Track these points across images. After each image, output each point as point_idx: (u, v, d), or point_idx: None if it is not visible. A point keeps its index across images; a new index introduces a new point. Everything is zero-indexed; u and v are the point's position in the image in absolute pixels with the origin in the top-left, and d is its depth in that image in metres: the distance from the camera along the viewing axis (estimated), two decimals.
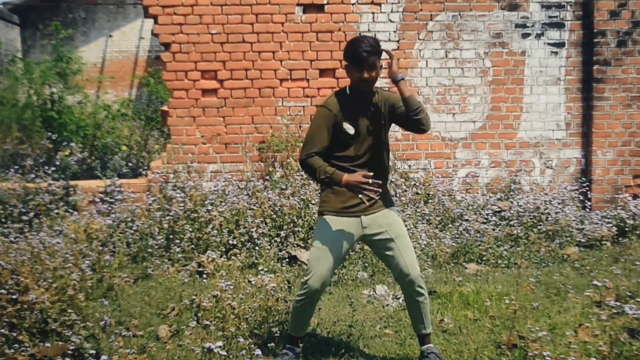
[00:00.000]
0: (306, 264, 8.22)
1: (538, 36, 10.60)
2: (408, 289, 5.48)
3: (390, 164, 9.96)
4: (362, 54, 5.22)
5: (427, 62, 10.53)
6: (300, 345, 5.59)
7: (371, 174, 5.17)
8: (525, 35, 10.58)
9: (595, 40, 10.49)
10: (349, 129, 5.36)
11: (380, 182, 5.20)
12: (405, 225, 8.68)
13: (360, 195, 5.19)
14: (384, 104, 5.44)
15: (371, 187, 5.13)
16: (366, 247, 7.86)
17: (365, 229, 5.41)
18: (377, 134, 5.43)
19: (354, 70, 5.31)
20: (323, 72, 10.35)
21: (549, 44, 10.62)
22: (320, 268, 5.31)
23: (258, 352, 4.97)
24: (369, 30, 10.36)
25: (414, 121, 5.33)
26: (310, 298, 5.39)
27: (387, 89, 5.74)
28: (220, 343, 5.13)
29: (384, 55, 5.34)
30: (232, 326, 5.46)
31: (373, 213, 5.42)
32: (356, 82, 5.34)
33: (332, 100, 5.46)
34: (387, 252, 5.45)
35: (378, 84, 5.49)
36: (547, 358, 4.80)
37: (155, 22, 10.24)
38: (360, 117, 5.38)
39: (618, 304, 5.69)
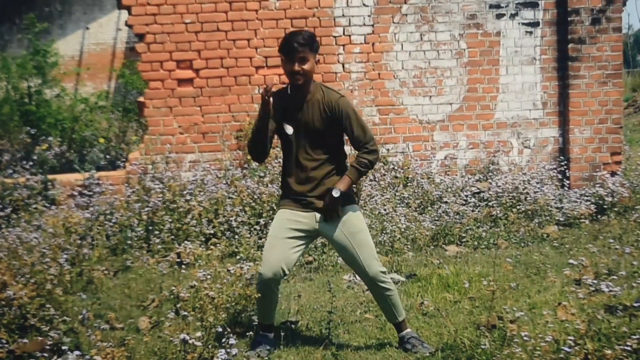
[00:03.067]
0: None
1: (512, 16, 10.60)
2: (370, 286, 5.55)
3: None
4: (293, 46, 5.23)
5: (402, 45, 10.51)
6: (282, 333, 5.60)
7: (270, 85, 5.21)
8: (499, 16, 10.58)
9: (569, 18, 10.50)
10: (288, 128, 5.39)
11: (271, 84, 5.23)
12: (385, 209, 8.74)
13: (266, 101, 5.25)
14: (330, 105, 5.37)
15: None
16: None
17: (320, 224, 5.42)
18: (317, 133, 5.39)
19: (286, 63, 5.32)
20: None
21: (523, 23, 10.62)
22: (271, 257, 5.35)
23: (232, 341, 4.97)
24: (343, 15, 10.35)
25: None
26: (264, 286, 5.40)
27: (338, 90, 5.66)
28: (198, 334, 5.13)
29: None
30: (211, 316, 5.45)
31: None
32: (289, 77, 5.34)
33: (274, 96, 5.40)
34: (343, 251, 5.50)
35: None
36: (525, 338, 4.81)
37: (129, 13, 10.18)
38: (298, 116, 5.39)
39: (595, 282, 5.72)
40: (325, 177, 5.43)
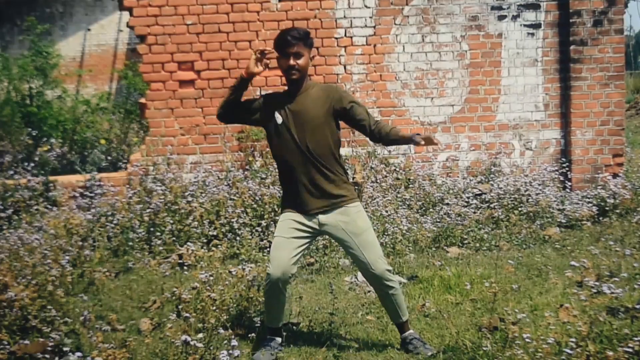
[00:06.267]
0: None
1: (514, 18, 10.59)
2: (376, 285, 5.54)
3: (370, 149, 9.99)
4: (287, 40, 5.28)
5: (404, 46, 10.51)
6: (284, 334, 5.59)
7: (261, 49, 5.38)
8: (501, 18, 10.57)
9: (571, 20, 10.49)
10: (277, 117, 5.40)
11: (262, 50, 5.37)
12: (386, 211, 8.74)
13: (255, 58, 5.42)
14: (329, 99, 5.40)
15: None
16: None
17: (323, 226, 5.43)
18: (310, 124, 5.38)
19: (281, 59, 5.37)
20: None
21: (525, 25, 10.62)
22: (279, 257, 5.34)
23: (234, 342, 4.96)
24: (344, 16, 10.35)
25: (382, 142, 5.51)
26: (274, 287, 5.39)
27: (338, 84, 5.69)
28: (200, 335, 5.13)
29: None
30: (212, 318, 5.45)
31: (329, 213, 5.43)
32: (284, 72, 5.38)
33: (274, 92, 5.66)
34: (349, 251, 5.49)
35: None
36: (527, 340, 4.80)
37: (131, 15, 10.19)
38: (288, 106, 5.40)
39: (597, 283, 5.72)
40: (324, 182, 5.42)
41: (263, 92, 5.36)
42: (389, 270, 5.47)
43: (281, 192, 5.71)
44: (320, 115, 5.38)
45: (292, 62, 5.28)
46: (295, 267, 5.40)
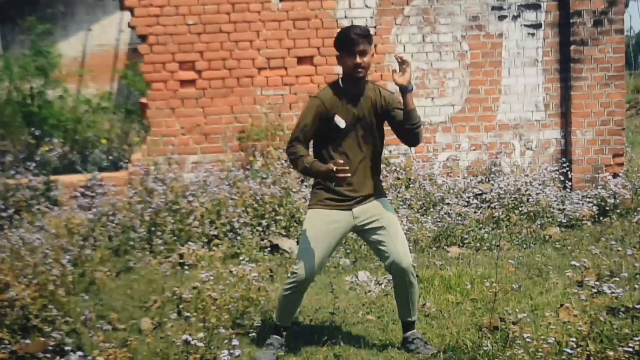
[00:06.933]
0: (288, 252, 8.28)
1: (515, 18, 10.60)
2: (399, 278, 5.49)
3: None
4: (352, 38, 5.22)
5: (404, 46, 10.52)
6: (284, 334, 5.60)
7: (341, 161, 5.17)
8: (501, 18, 10.58)
9: (571, 20, 10.49)
10: (340, 122, 5.35)
11: (347, 167, 5.16)
12: None
13: (328, 182, 5.27)
14: (379, 98, 5.42)
15: (340, 174, 5.12)
16: (350, 235, 7.72)
17: (357, 219, 5.42)
18: (368, 127, 5.42)
19: (346, 57, 5.31)
20: (301, 60, 10.34)
21: (525, 25, 10.62)
22: (309, 258, 5.32)
23: (235, 342, 4.97)
24: (345, 16, 10.35)
25: (410, 133, 5.39)
26: (298, 287, 5.39)
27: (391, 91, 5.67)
28: (201, 334, 5.15)
29: (394, 62, 5.30)
30: (213, 317, 5.46)
31: (364, 204, 5.44)
32: (350, 70, 5.32)
33: (324, 92, 5.50)
34: (379, 240, 5.44)
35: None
36: (527, 339, 4.81)
37: (132, 15, 10.19)
38: (352, 110, 5.37)
39: (598, 283, 5.72)
40: (368, 177, 5.47)
41: (316, 95, 5.25)
42: (414, 266, 5.50)
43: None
44: (376, 118, 5.43)
45: (358, 60, 5.24)
46: (323, 266, 5.42)
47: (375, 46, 10.42)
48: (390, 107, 5.41)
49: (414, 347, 5.51)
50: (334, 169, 5.10)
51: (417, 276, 5.63)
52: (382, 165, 9.83)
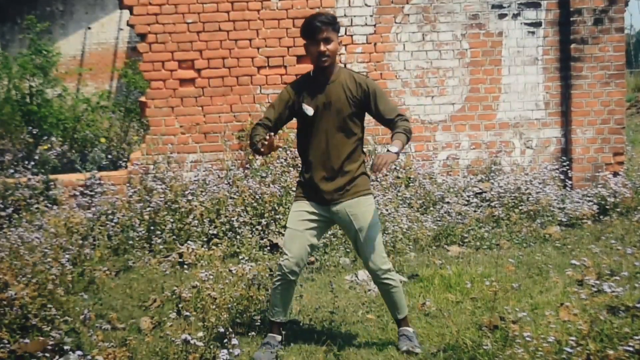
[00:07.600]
0: None
1: (515, 16, 10.58)
2: (374, 279, 5.58)
3: (371, 148, 9.97)
4: (316, 26, 5.22)
5: (404, 45, 10.51)
6: (283, 332, 5.58)
7: (272, 133, 5.23)
8: (502, 16, 10.57)
9: (572, 19, 10.48)
10: (307, 109, 5.37)
11: (269, 138, 5.19)
12: (387, 210, 8.72)
13: (254, 149, 5.37)
14: (355, 87, 5.39)
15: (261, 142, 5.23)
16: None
17: (334, 215, 5.46)
18: (340, 114, 5.37)
19: (310, 46, 5.32)
20: (300, 59, 10.31)
21: (525, 23, 10.61)
22: (293, 248, 5.36)
23: (235, 341, 4.96)
24: (345, 15, 10.34)
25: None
26: (286, 279, 5.41)
27: (364, 73, 5.67)
28: (200, 334, 5.13)
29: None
30: (213, 316, 5.45)
31: (342, 202, 5.43)
32: (315, 59, 5.32)
33: (295, 81, 5.63)
34: (354, 242, 5.54)
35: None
36: (527, 338, 4.80)
37: (131, 13, 10.17)
38: (320, 97, 5.37)
39: (598, 282, 5.72)
40: (345, 165, 5.44)
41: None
42: (387, 270, 5.46)
43: (299, 177, 5.67)
44: (350, 105, 5.39)
45: (322, 48, 5.23)
46: (308, 258, 5.43)
47: (375, 45, 10.43)
48: (367, 99, 5.38)
49: (399, 343, 5.54)
50: (264, 140, 5.20)
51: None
52: None
